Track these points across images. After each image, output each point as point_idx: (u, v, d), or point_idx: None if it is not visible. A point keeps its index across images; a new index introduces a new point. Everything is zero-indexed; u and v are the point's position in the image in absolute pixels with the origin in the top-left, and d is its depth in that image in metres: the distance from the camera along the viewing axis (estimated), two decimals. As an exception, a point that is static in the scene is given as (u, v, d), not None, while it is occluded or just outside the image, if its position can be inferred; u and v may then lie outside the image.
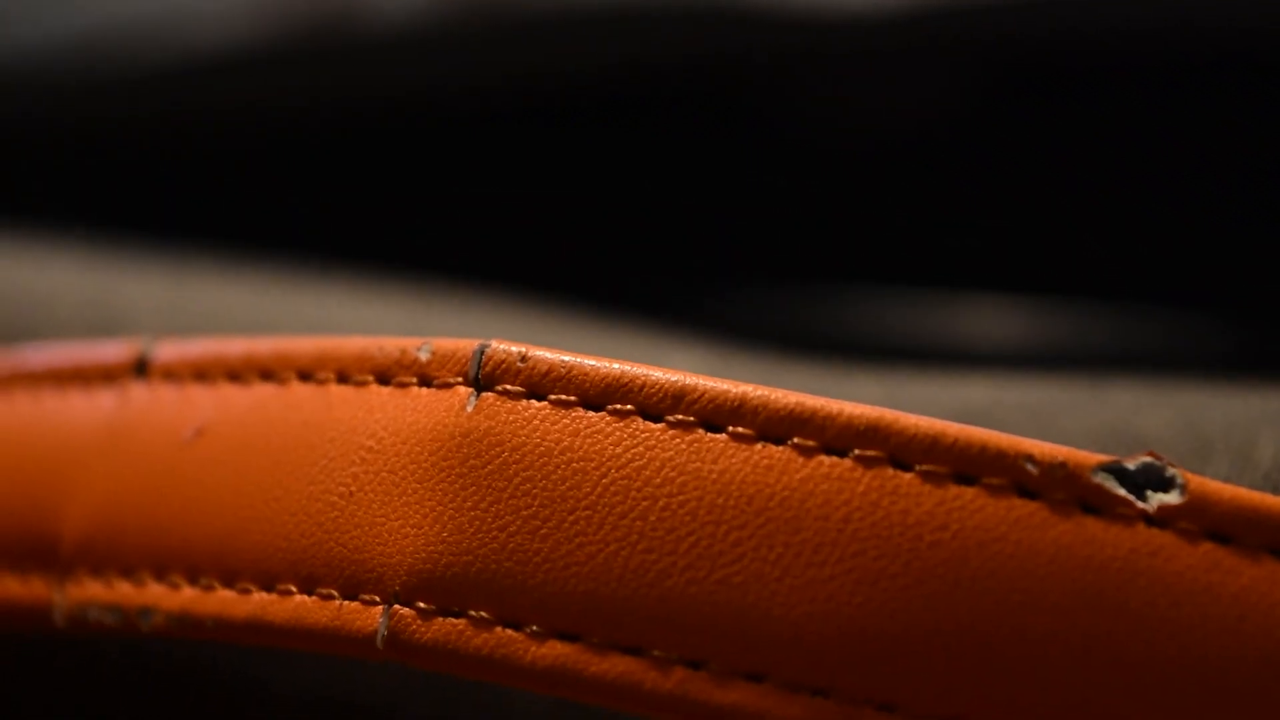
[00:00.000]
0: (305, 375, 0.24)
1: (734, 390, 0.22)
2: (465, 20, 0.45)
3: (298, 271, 0.37)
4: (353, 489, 0.22)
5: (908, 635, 0.20)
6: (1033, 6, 0.44)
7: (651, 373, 0.22)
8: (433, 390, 0.23)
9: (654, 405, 0.22)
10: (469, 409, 0.22)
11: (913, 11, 0.43)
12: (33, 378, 0.26)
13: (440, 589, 0.22)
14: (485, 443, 0.22)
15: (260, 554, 0.23)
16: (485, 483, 0.22)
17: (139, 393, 0.25)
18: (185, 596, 0.23)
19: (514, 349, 0.22)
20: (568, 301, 0.39)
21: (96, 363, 0.25)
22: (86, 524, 0.24)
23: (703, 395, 0.22)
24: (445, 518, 0.22)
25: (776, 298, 0.48)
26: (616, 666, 0.21)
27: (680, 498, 0.21)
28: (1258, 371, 0.32)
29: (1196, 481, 0.21)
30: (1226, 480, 0.25)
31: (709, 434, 0.21)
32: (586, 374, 0.22)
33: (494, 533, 0.22)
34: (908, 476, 0.21)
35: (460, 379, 0.22)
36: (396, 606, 0.22)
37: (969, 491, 0.21)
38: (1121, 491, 0.21)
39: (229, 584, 0.23)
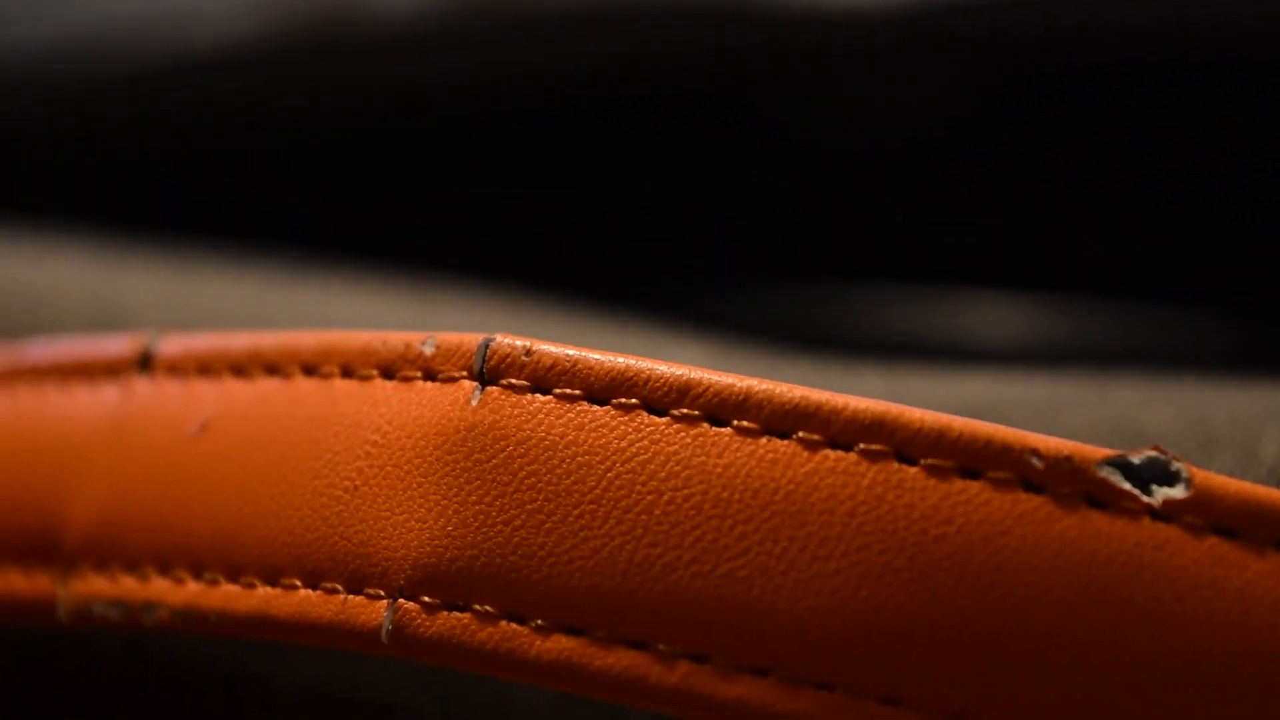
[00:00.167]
0: (309, 370, 0.24)
1: (739, 384, 0.22)
2: (465, 19, 0.45)
3: (300, 268, 0.37)
4: (357, 483, 0.22)
5: (913, 629, 0.20)
6: (1033, 4, 0.44)
7: (656, 367, 0.22)
8: (437, 384, 0.23)
9: (659, 399, 0.22)
10: (474, 403, 0.22)
11: (913, 9, 0.43)
12: (36, 372, 0.26)
13: (445, 583, 0.22)
14: (490, 437, 0.22)
15: (264, 548, 0.23)
16: (490, 477, 0.22)
17: (143, 387, 0.25)
18: (189, 591, 0.23)
19: (519, 343, 0.22)
20: (569, 301, 0.39)
21: (100, 357, 0.25)
22: (90, 519, 0.24)
23: (708, 389, 0.22)
24: (450, 512, 0.22)
25: (778, 296, 0.48)
26: (621, 660, 0.21)
27: (685, 492, 0.21)
28: (1258, 369, 0.32)
29: (1201, 476, 0.21)
30: (1231, 476, 0.24)
31: (714, 428, 0.21)
32: (591, 368, 0.22)
33: (499, 527, 0.22)
34: (913, 471, 0.21)
35: (465, 373, 0.22)
36: (401, 601, 0.22)
37: (974, 486, 0.21)
38: (1127, 486, 0.21)
39: (233, 579, 0.23)
